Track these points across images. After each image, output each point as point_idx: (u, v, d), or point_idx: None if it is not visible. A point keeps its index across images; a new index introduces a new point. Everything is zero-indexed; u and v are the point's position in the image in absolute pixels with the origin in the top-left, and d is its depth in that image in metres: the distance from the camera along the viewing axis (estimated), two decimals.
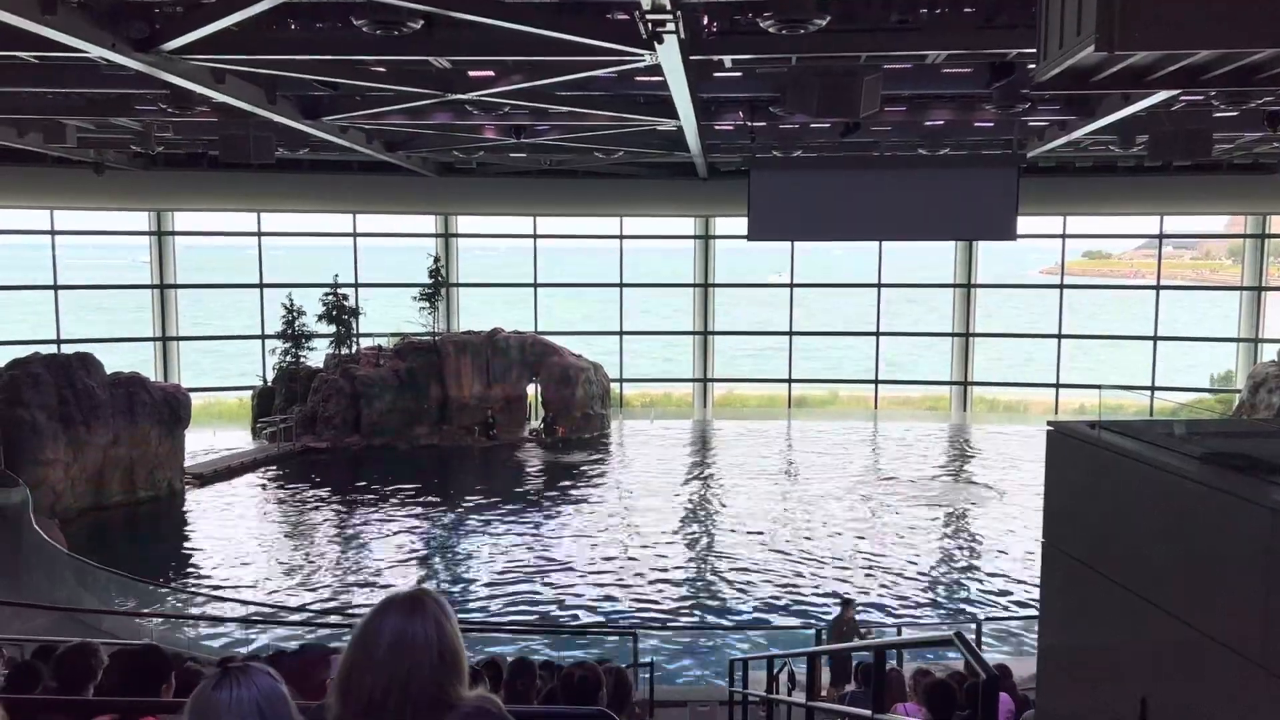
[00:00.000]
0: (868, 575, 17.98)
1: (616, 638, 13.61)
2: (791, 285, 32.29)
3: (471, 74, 15.13)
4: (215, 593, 16.88)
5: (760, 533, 20.32)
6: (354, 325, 30.20)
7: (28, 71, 14.70)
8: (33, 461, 20.14)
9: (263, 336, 30.75)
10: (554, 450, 28.06)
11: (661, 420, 32.19)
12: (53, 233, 29.39)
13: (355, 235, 31.50)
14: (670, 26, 9.63)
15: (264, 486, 24.52)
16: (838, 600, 14.11)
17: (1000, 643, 14.35)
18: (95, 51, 11.40)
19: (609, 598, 16.89)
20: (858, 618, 13.23)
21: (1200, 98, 14.95)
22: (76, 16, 10.65)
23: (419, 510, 22.09)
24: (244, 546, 19.80)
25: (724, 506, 22.56)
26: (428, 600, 2.07)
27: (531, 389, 30.24)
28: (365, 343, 30.56)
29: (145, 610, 15.11)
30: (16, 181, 25.99)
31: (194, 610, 15.90)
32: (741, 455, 27.54)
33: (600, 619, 15.90)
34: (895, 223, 19.00)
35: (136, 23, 11.23)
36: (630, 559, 18.80)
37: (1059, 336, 31.74)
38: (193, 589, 17.34)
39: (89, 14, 10.88)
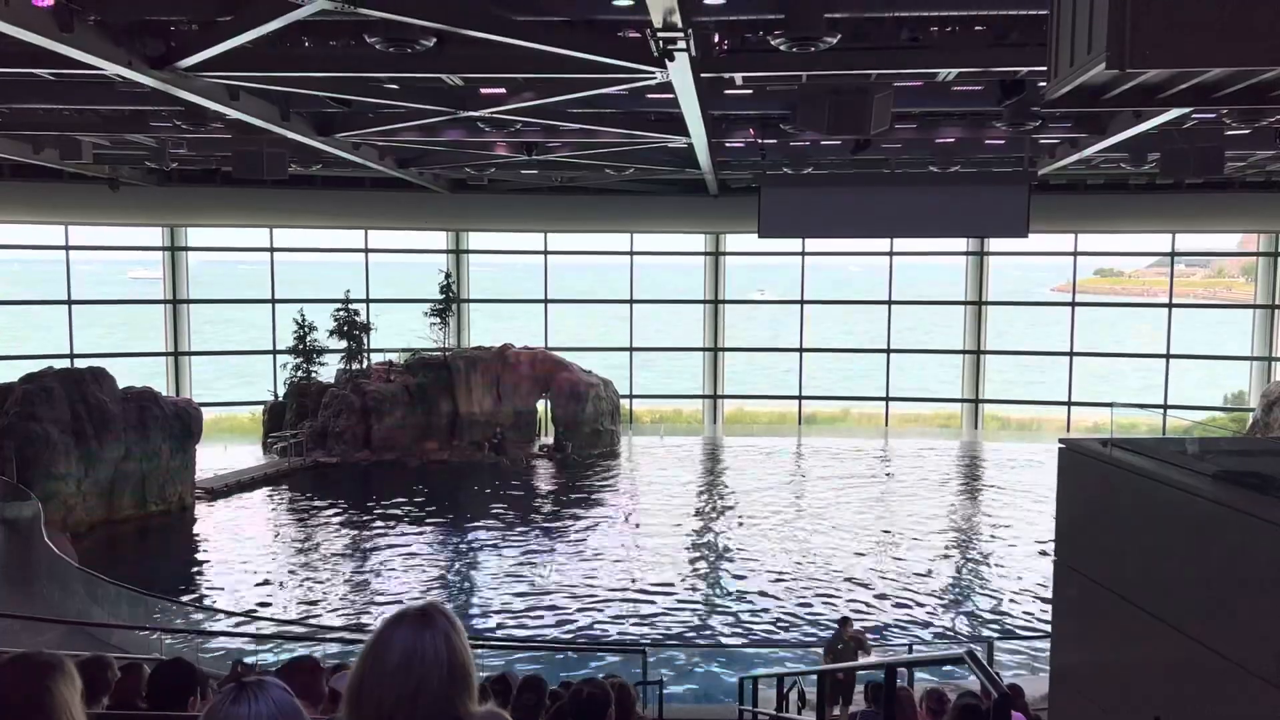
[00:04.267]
0: (877, 594, 17.89)
1: (626, 654, 13.57)
2: (802, 301, 32.26)
3: (483, 91, 15.23)
4: (225, 607, 16.89)
5: (770, 550, 20.26)
6: (365, 341, 30.30)
7: (44, 88, 14.86)
8: (45, 475, 20.22)
9: (274, 351, 30.86)
10: (564, 466, 28.06)
11: (671, 436, 32.16)
12: (67, 248, 29.59)
13: (367, 251, 31.64)
14: (681, 44, 9.68)
15: (274, 501, 24.56)
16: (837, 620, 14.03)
17: (1011, 660, 14.25)
18: (112, 69, 11.52)
19: (618, 614, 16.84)
20: (857, 630, 13.12)
21: (1212, 116, 14.94)
22: (93, 34, 10.76)
23: (428, 525, 22.10)
24: (254, 561, 19.82)
25: (733, 524, 22.50)
26: (438, 615, 2.07)
27: (541, 405, 30.26)
28: (376, 358, 30.66)
29: (155, 624, 15.12)
30: (32, 197, 26.20)
31: (203, 624, 15.90)
32: (751, 472, 27.47)
33: (609, 635, 15.85)
34: (905, 222, 19.12)
35: (153, 40, 11.35)
36: (639, 575, 18.74)
37: (1071, 354, 31.62)
38: (202, 604, 17.36)
39: (106, 32, 10.99)
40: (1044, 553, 19.67)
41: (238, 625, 15.64)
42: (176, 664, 4.59)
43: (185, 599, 17.31)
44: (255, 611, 16.71)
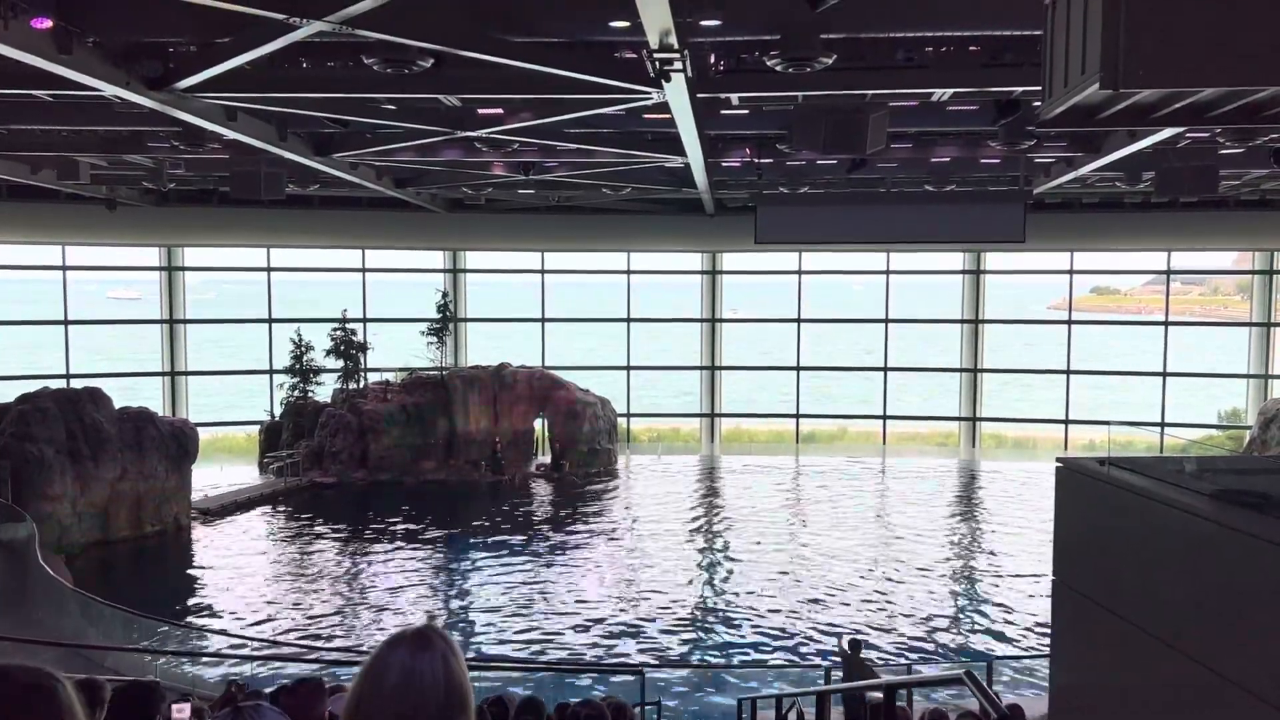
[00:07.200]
0: (876, 611, 17.83)
1: (623, 676, 13.50)
2: (799, 320, 32.30)
3: (480, 111, 15.29)
4: (220, 628, 16.81)
5: (768, 570, 20.20)
6: (362, 360, 30.28)
7: (42, 109, 14.89)
8: (40, 496, 20.16)
9: (270, 371, 30.83)
10: (561, 485, 27.99)
11: (669, 455, 32.11)
12: (64, 268, 29.60)
13: (364, 270, 31.66)
14: (678, 65, 9.72)
15: (270, 521, 24.47)
16: (847, 642, 13.95)
17: (1011, 682, 14.19)
18: (110, 90, 11.56)
19: (616, 635, 16.77)
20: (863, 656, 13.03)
21: (1206, 135, 15.01)
22: (92, 56, 10.80)
23: (425, 545, 22.02)
24: (249, 582, 19.73)
25: (731, 543, 22.44)
26: (435, 637, 2.06)
27: (539, 424, 30.21)
28: (373, 377, 30.63)
29: (149, 646, 15.02)
30: (30, 217, 26.22)
31: (198, 646, 15.83)
32: (749, 491, 27.43)
33: (607, 656, 15.77)
34: (902, 231, 19.28)
35: (151, 62, 11.38)
36: (637, 596, 18.68)
37: (1068, 372, 31.64)
38: (197, 625, 17.27)
39: (104, 53, 11.03)
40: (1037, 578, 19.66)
41: (233, 647, 15.55)
42: (137, 685, 4.54)
43: (180, 620, 17.21)
44: (251, 632, 16.62)
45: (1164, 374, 30.86)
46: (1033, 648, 15.71)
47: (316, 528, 23.57)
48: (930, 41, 11.39)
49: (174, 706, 6.49)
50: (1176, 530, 3.20)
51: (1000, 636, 16.86)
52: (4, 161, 19.76)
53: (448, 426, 29.25)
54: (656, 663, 15.21)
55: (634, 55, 11.07)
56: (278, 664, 13.81)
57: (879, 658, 15.53)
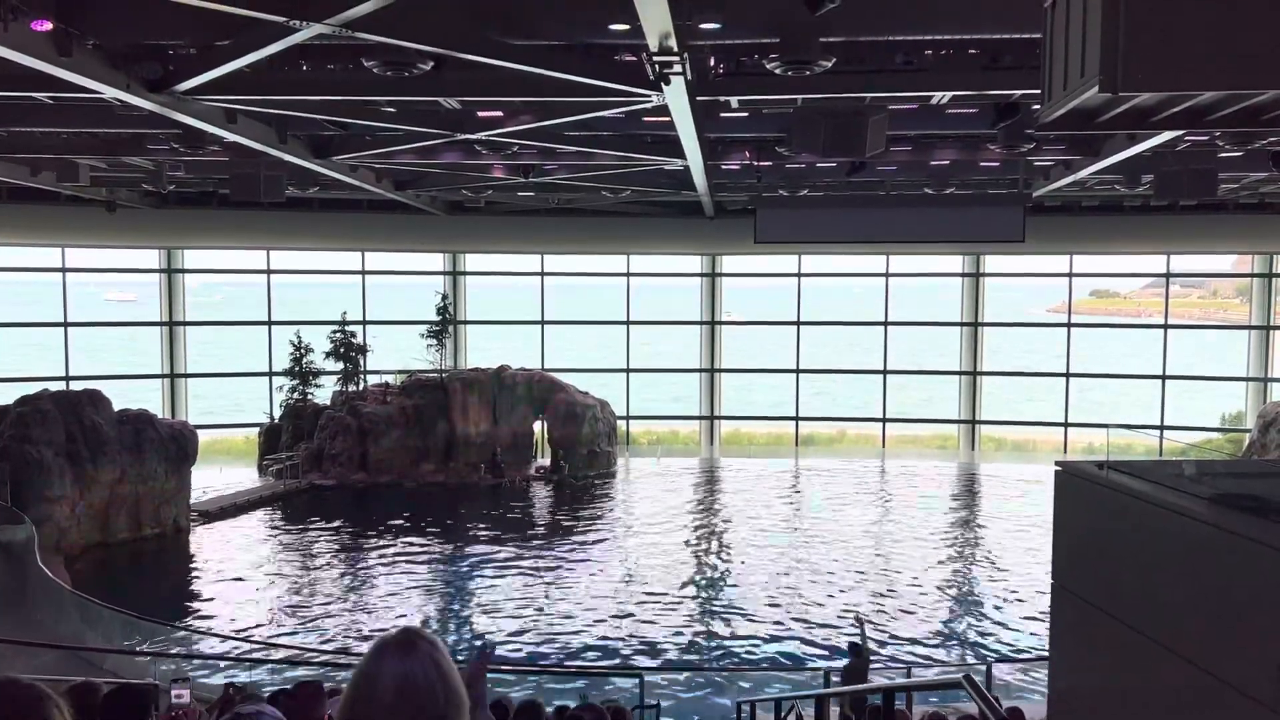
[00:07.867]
0: (874, 614, 17.80)
1: (622, 679, 13.49)
2: (799, 323, 32.31)
3: (480, 114, 15.31)
4: (218, 631, 16.79)
5: (767, 571, 20.18)
6: (362, 362, 30.27)
7: (42, 112, 14.90)
8: (39, 498, 20.12)
9: (270, 374, 30.82)
10: (560, 487, 27.97)
11: (668, 458, 32.10)
12: (64, 270, 29.60)
13: (364, 273, 31.66)
14: (677, 68, 9.73)
15: (270, 524, 24.45)
16: (848, 645, 13.94)
17: (1011, 685, 14.18)
18: (109, 92, 11.56)
19: (615, 638, 16.75)
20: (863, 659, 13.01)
21: (1205, 138, 15.02)
22: (92, 58, 10.81)
23: (424, 548, 21.99)
24: (248, 584, 19.71)
25: (730, 545, 22.43)
26: (420, 640, 2.03)
27: (538, 426, 30.21)
28: (373, 380, 30.63)
29: (148, 648, 15.01)
30: (30, 219, 26.23)
31: (196, 648, 15.81)
32: (748, 494, 27.41)
33: (606, 659, 15.76)
34: (902, 232, 19.32)
35: (150, 64, 11.39)
36: (636, 598, 18.66)
37: (1067, 375, 31.64)
38: (196, 627, 17.24)
39: (104, 56, 11.04)
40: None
41: (231, 649, 15.54)
42: (129, 688, 4.55)
43: (179, 622, 17.18)
44: (249, 635, 16.61)
45: (1163, 377, 30.86)
46: (1032, 650, 15.69)
47: (316, 530, 23.54)
48: (930, 44, 11.40)
49: (173, 692, 6.49)
50: (1175, 534, 3.20)
51: (999, 640, 16.84)
52: (4, 164, 19.77)
53: (447, 429, 29.23)
54: (655, 665, 15.20)
55: (634, 58, 11.08)
56: (277, 666, 13.79)
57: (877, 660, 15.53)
